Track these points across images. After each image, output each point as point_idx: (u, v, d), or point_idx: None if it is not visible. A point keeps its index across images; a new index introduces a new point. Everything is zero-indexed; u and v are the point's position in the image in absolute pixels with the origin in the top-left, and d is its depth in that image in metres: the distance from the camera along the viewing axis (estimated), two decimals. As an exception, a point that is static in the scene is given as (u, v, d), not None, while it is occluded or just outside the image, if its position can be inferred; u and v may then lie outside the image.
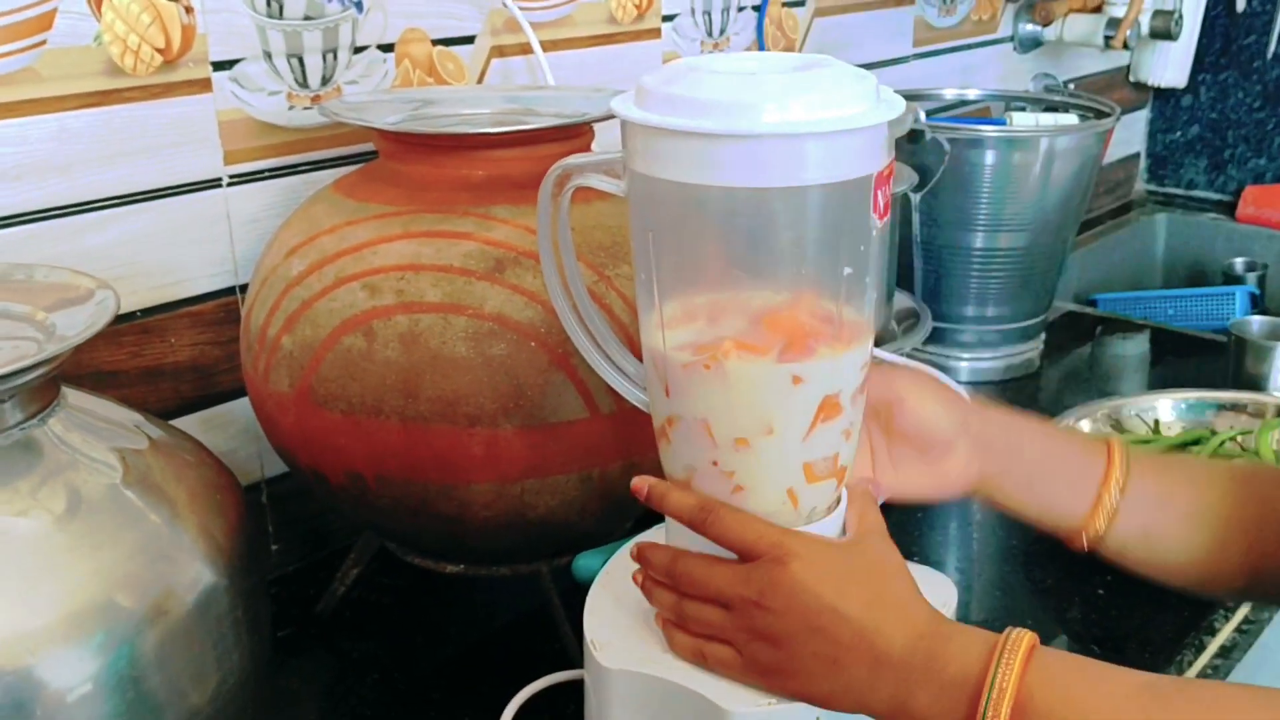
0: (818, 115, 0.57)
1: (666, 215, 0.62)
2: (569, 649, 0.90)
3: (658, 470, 0.72)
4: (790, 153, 0.58)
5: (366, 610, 1.01)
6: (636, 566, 0.75)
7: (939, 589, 0.74)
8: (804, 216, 0.60)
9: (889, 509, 1.09)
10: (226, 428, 1.01)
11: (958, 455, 0.74)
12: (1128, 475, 0.74)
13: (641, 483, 0.69)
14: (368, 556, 0.98)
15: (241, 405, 1.00)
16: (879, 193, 0.60)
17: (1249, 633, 0.96)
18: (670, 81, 0.60)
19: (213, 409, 1.00)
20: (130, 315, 0.93)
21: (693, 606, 0.67)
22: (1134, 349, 1.60)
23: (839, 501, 0.70)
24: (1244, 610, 0.99)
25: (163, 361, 0.96)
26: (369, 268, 0.82)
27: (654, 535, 0.75)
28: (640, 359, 0.71)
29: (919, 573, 0.76)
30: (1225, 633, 0.96)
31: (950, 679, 0.61)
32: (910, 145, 1.32)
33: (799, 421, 0.64)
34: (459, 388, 0.80)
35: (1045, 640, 0.96)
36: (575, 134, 0.89)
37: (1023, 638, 0.61)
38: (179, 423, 0.96)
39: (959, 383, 1.05)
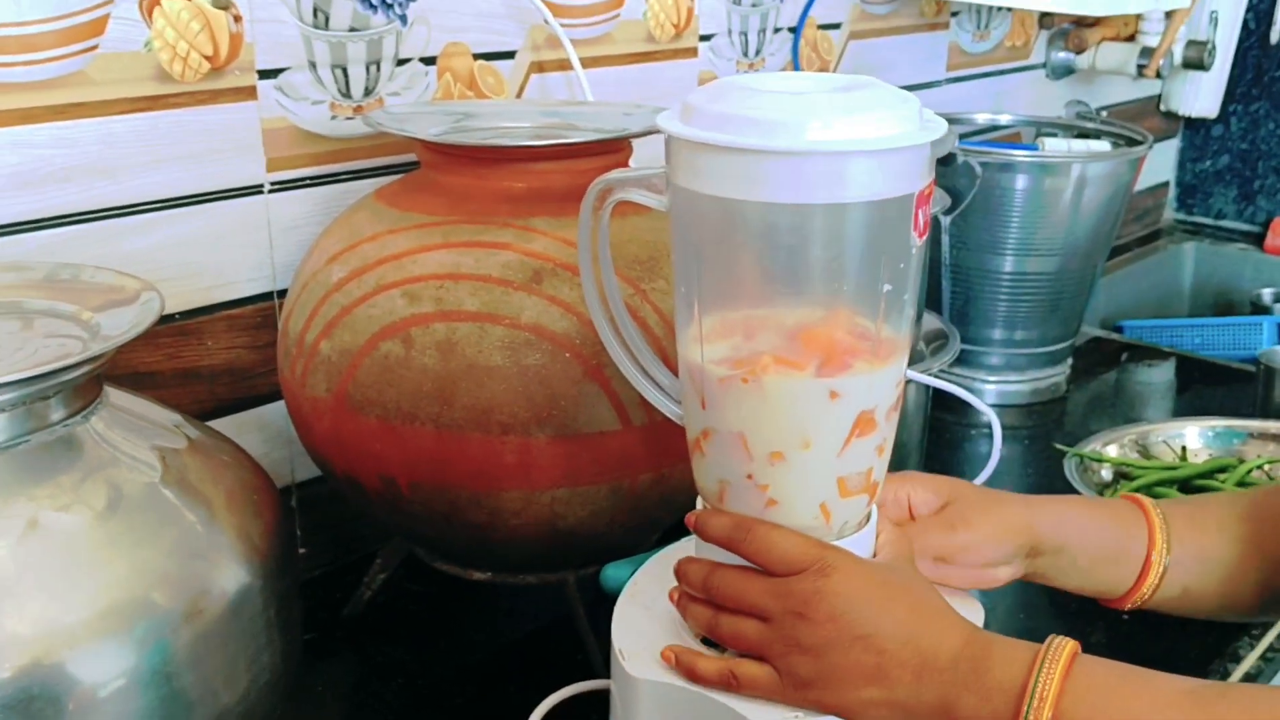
0: (861, 134, 0.58)
1: (709, 230, 0.63)
2: (593, 658, 0.91)
3: (689, 483, 0.72)
4: (834, 170, 0.59)
5: (392, 615, 1.02)
6: (665, 577, 0.76)
7: (966, 610, 0.74)
8: (845, 234, 0.61)
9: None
10: (260, 431, 1.02)
11: (1007, 568, 0.77)
12: (1169, 542, 0.77)
13: (690, 515, 0.70)
14: (395, 561, 0.99)
15: (274, 409, 1.01)
16: (919, 212, 0.61)
17: (1274, 660, 0.96)
18: (716, 99, 0.61)
19: (246, 412, 1.01)
20: (169, 317, 0.94)
21: (729, 620, 0.67)
22: (1160, 376, 1.60)
23: (869, 518, 0.70)
24: (1270, 638, 0.98)
25: (199, 364, 0.97)
26: (409, 276, 0.83)
27: (684, 548, 0.76)
28: (675, 372, 0.72)
29: (947, 596, 0.77)
30: (1250, 660, 0.96)
31: (995, 684, 0.62)
32: (942, 168, 1.33)
33: (834, 437, 0.65)
34: (493, 396, 0.81)
35: (1069, 664, 0.97)
36: (615, 149, 0.90)
37: (1064, 646, 0.62)
38: (213, 425, 0.97)
39: (987, 405, 1.05)
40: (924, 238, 0.62)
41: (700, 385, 0.66)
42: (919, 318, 1.23)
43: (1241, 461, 1.17)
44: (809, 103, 0.59)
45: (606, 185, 0.67)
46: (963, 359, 1.46)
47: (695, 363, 0.66)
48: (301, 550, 1.07)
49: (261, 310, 1.00)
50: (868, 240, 0.61)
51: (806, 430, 0.64)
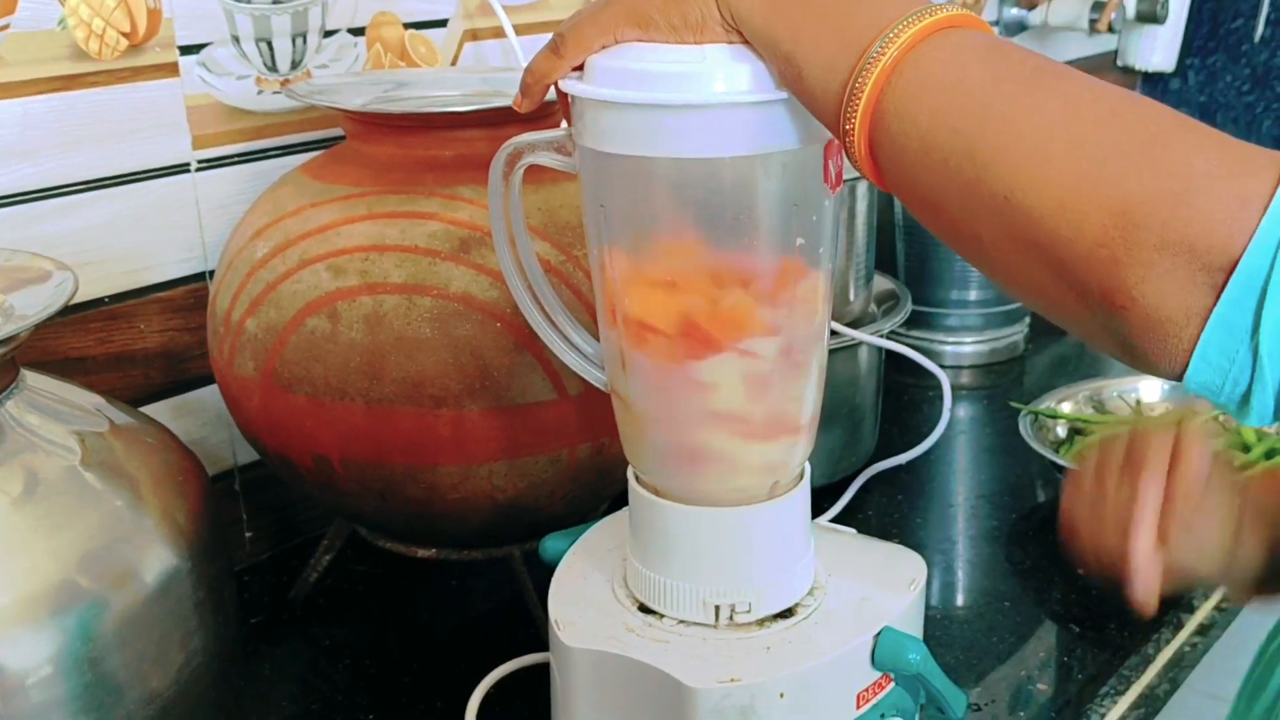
0: (765, 82, 0.57)
1: (617, 191, 0.62)
2: (541, 633, 0.90)
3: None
4: (738, 122, 0.57)
5: (339, 597, 1.01)
6: (602, 548, 0.75)
7: (907, 564, 0.73)
8: (754, 187, 0.60)
9: (873, 485, 1.09)
10: (198, 415, 1.00)
11: None
12: None
13: None
14: (340, 542, 0.98)
15: (213, 392, 0.99)
16: (830, 163, 0.60)
17: (1228, 611, 0.96)
18: (617, 55, 0.59)
19: (184, 395, 0.99)
20: (98, 301, 0.93)
21: None
22: (1122, 333, 1.59)
23: (803, 476, 0.69)
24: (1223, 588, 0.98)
25: (132, 348, 0.95)
26: (333, 249, 0.82)
27: (621, 518, 0.75)
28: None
29: (888, 550, 0.76)
30: (1204, 611, 0.96)
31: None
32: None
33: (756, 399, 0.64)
34: (424, 369, 0.80)
35: (1027, 622, 0.97)
36: (542, 114, 0.88)
37: (939, 14, 0.53)
38: (150, 409, 0.95)
39: (941, 367, 1.04)
40: (836, 190, 0.61)
41: (619, 350, 0.65)
42: (868, 280, 1.22)
43: (1196, 413, 1.16)
44: (709, 54, 0.57)
45: (515, 149, 0.66)
46: (919, 320, 1.45)
47: (612, 327, 0.65)
48: (248, 534, 1.05)
49: (194, 291, 0.98)
50: (778, 194, 0.60)
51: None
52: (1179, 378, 0.49)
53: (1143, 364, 0.49)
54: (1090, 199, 0.47)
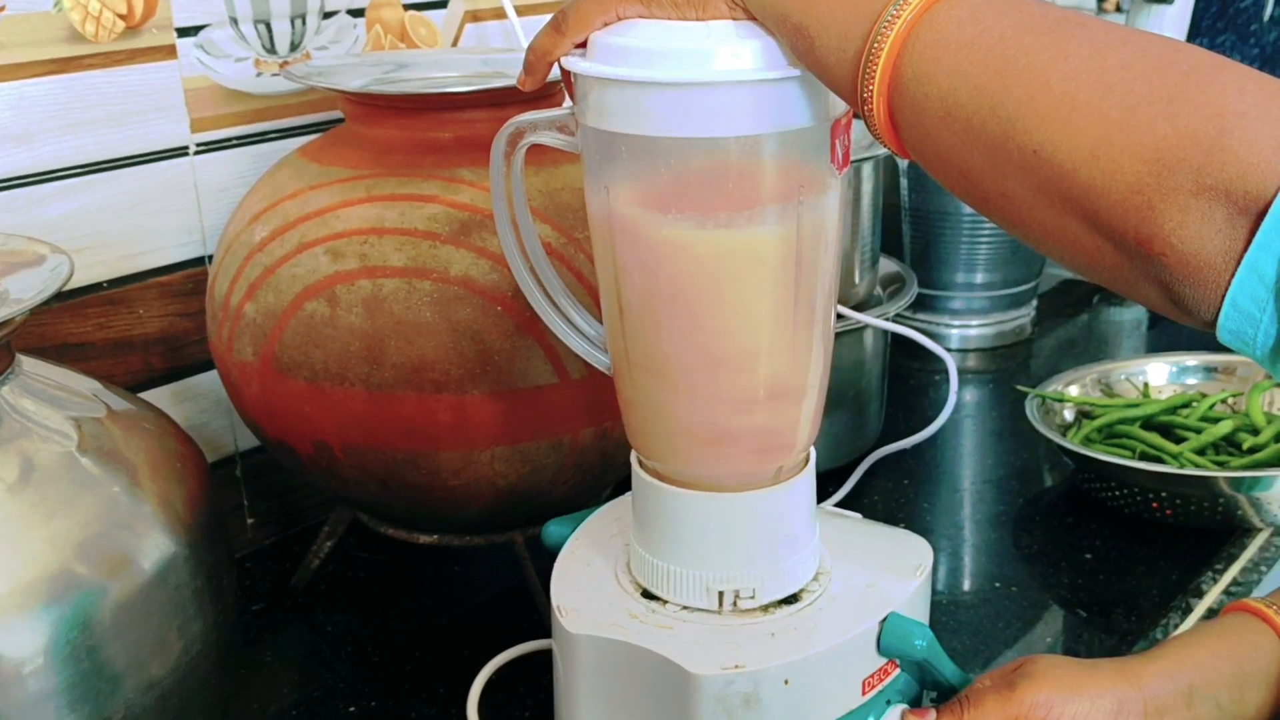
0: (771, 59, 0.56)
1: (618, 170, 0.61)
2: (544, 619, 0.89)
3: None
4: (743, 100, 0.56)
5: (341, 584, 1.00)
6: (604, 533, 0.74)
7: (913, 549, 0.72)
8: (760, 167, 0.59)
9: (879, 469, 1.09)
10: (198, 400, 0.99)
11: None
12: None
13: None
14: (342, 529, 0.97)
15: (213, 377, 0.98)
16: (836, 141, 0.59)
17: (1236, 595, 0.95)
18: (619, 31, 0.58)
19: (184, 381, 0.98)
20: (96, 286, 0.92)
21: None
22: (1129, 315, 1.59)
23: (807, 461, 0.68)
24: (1232, 573, 0.97)
25: (131, 333, 0.94)
26: (332, 232, 0.81)
27: (626, 503, 0.74)
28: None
29: (894, 535, 0.75)
30: (1213, 595, 0.95)
31: None
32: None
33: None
34: (424, 353, 0.79)
35: (1034, 607, 0.96)
36: (543, 95, 0.87)
37: None
38: (149, 395, 0.95)
39: (947, 350, 1.03)
40: (843, 170, 0.60)
41: (622, 332, 0.64)
42: (874, 263, 1.21)
43: (1204, 396, 1.15)
44: (713, 31, 0.56)
45: (516, 129, 0.65)
46: (925, 304, 1.44)
47: (614, 309, 0.64)
48: (249, 520, 1.05)
49: (193, 276, 0.97)
50: (784, 175, 0.59)
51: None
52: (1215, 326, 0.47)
53: (1185, 312, 0.48)
54: (1122, 146, 0.46)
